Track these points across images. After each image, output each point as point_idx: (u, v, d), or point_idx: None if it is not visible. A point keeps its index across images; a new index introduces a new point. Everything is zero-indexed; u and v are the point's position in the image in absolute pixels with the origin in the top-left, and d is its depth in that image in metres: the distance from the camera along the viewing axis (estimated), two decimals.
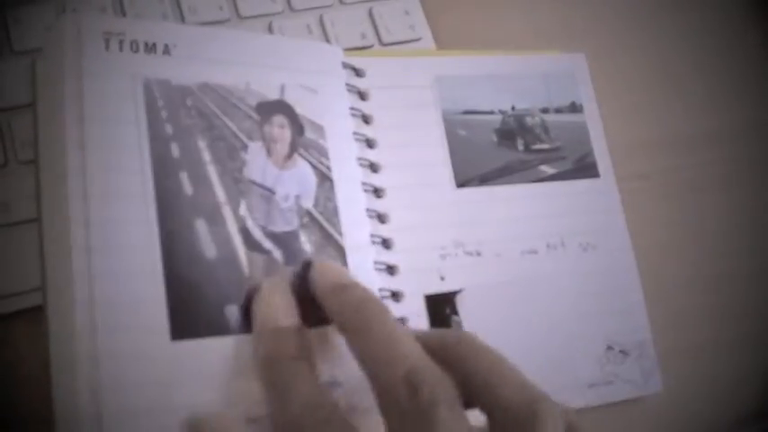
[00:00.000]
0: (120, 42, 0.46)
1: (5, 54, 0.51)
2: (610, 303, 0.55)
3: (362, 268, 0.49)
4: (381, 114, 0.53)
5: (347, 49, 0.55)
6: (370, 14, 0.59)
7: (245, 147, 0.47)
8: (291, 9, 0.58)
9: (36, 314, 0.45)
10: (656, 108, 0.64)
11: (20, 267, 0.47)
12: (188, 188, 0.45)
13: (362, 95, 0.53)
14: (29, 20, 0.51)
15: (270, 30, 0.57)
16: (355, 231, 0.49)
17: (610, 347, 0.53)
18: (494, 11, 0.63)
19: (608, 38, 0.65)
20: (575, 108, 0.59)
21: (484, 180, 0.54)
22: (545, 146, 0.57)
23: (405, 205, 0.52)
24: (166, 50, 0.47)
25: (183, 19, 0.55)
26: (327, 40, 0.57)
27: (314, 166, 0.49)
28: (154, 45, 0.47)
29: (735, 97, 0.66)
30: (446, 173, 0.54)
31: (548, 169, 0.56)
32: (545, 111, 0.58)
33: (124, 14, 0.53)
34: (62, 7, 0.52)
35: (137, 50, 0.46)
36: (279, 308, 0.42)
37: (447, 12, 0.62)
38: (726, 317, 0.60)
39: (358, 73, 0.54)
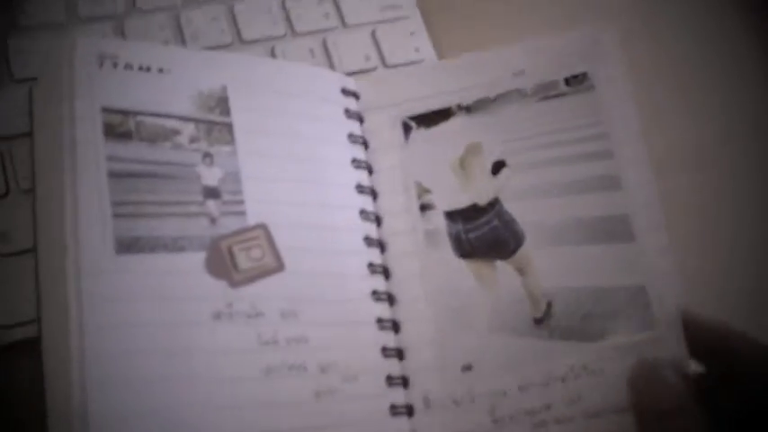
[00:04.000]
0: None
1: (6, 83, 0.51)
2: None
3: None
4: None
5: (350, 73, 0.55)
6: (374, 37, 0.59)
7: None
8: (294, 33, 0.58)
9: (33, 346, 0.45)
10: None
11: (20, 298, 0.47)
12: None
13: (361, 119, 0.53)
14: (30, 48, 0.52)
15: (272, 54, 0.57)
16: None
17: None
18: (502, 33, 0.63)
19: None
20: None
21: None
22: None
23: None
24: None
25: (184, 45, 0.55)
26: (331, 63, 0.57)
27: None
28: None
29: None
30: None
31: None
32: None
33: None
34: (63, 34, 0.52)
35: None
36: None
37: (452, 32, 0.61)
38: None
39: (357, 97, 0.53)
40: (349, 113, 0.53)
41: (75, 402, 0.40)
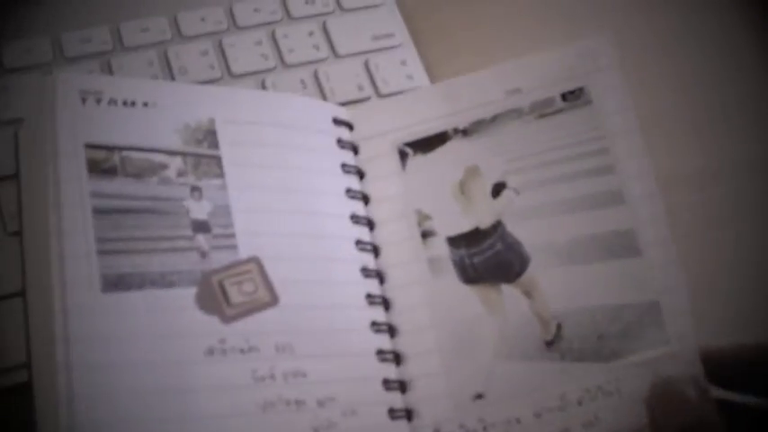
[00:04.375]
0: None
1: None
2: None
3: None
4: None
5: (343, 103, 0.54)
6: (366, 66, 0.58)
7: None
8: (285, 65, 0.57)
9: (24, 391, 0.44)
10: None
11: (11, 342, 0.47)
12: None
13: (355, 149, 0.52)
14: (16, 89, 0.51)
15: (263, 86, 0.56)
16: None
17: None
18: (496, 57, 0.62)
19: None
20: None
21: None
22: None
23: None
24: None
25: (173, 80, 0.54)
26: (323, 94, 0.57)
27: None
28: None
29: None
30: None
31: None
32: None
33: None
34: (49, 73, 0.52)
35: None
36: None
37: (446, 59, 0.61)
38: None
39: (350, 127, 0.53)
40: (342, 143, 0.52)
41: None
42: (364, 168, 0.52)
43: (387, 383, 0.47)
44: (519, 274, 0.48)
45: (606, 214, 0.48)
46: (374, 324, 0.48)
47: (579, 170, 0.49)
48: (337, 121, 0.52)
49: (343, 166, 0.51)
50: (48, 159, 0.44)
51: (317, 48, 0.58)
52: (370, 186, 0.52)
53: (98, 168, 0.44)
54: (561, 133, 0.50)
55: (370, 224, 0.51)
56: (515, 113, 0.51)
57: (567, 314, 0.47)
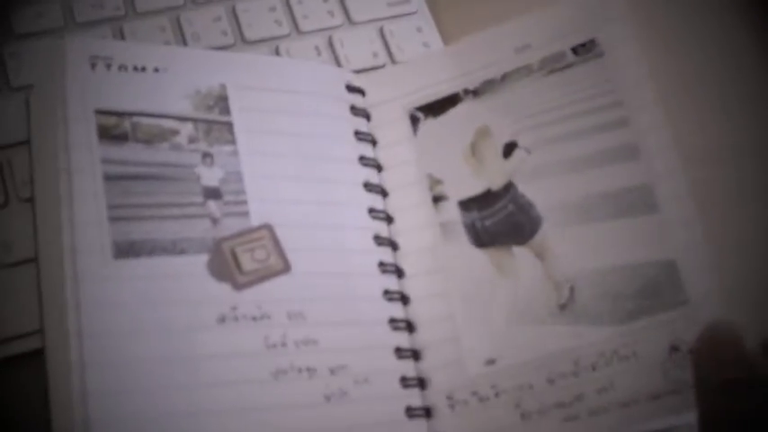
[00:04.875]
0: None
1: (4, 91, 0.50)
2: None
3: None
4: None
5: (358, 71, 0.54)
6: (381, 33, 0.57)
7: None
8: (298, 31, 0.56)
9: (37, 357, 0.44)
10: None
11: (24, 309, 0.46)
12: None
13: (367, 116, 0.52)
14: (27, 55, 0.51)
15: (277, 53, 0.55)
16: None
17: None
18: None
19: None
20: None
21: None
22: None
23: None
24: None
25: (186, 46, 0.53)
26: (337, 61, 0.56)
27: None
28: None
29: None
30: None
31: None
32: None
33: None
34: (60, 38, 0.51)
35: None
36: None
37: (461, 26, 0.60)
38: None
39: (363, 93, 0.52)
40: (355, 110, 0.51)
41: (77, 412, 0.39)
42: (376, 135, 0.51)
43: (399, 352, 0.47)
44: (531, 235, 0.48)
45: (621, 169, 0.47)
46: (387, 292, 0.48)
47: (592, 125, 0.48)
48: (350, 88, 0.52)
49: (357, 133, 0.51)
50: (58, 125, 0.44)
51: (331, 14, 0.57)
52: (382, 153, 0.51)
53: (108, 134, 0.44)
54: (573, 88, 0.49)
55: (383, 192, 0.50)
56: (525, 70, 0.50)
57: (581, 276, 0.46)
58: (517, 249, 0.48)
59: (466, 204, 0.49)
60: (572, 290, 0.46)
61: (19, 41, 0.52)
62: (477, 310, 0.47)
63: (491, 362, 0.46)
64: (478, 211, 0.49)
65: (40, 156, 0.45)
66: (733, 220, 0.56)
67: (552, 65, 0.49)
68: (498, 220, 0.48)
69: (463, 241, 0.48)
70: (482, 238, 0.48)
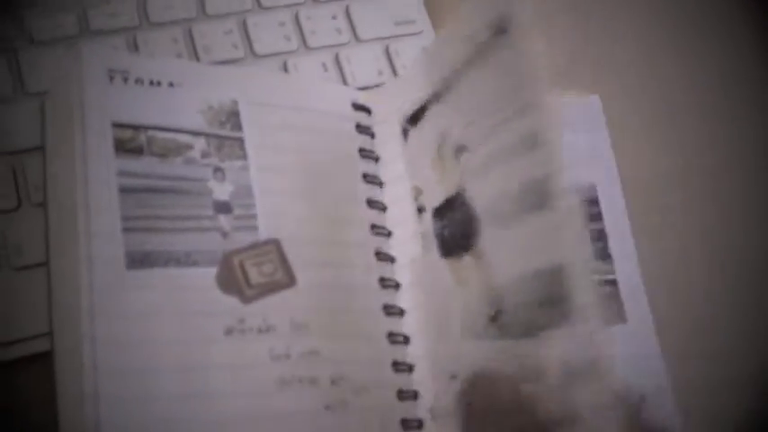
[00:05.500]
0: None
1: (19, 96, 0.51)
2: None
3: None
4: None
5: (363, 87, 0.55)
6: (387, 52, 0.59)
7: None
8: (306, 47, 0.57)
9: (45, 360, 0.45)
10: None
11: (33, 311, 0.47)
12: None
13: (372, 134, 0.53)
14: (42, 61, 0.52)
15: (285, 68, 0.56)
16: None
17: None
18: None
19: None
20: None
21: None
22: None
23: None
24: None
25: (197, 58, 0.55)
26: (343, 78, 0.57)
27: None
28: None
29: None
30: None
31: None
32: None
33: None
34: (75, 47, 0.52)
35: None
36: None
37: None
38: None
39: (368, 111, 0.53)
40: (360, 128, 0.52)
41: (88, 417, 0.40)
42: (379, 152, 0.52)
43: (396, 365, 0.48)
44: (474, 241, 0.44)
45: (525, 162, 0.40)
46: (386, 306, 0.49)
47: (508, 115, 0.42)
48: (356, 106, 0.53)
49: (361, 150, 0.52)
50: (75, 135, 0.44)
51: (339, 31, 0.58)
52: (383, 169, 0.52)
53: (125, 147, 0.45)
54: (494, 74, 0.43)
55: (384, 208, 0.52)
56: (468, 63, 0.44)
57: (508, 283, 0.42)
58: (467, 258, 0.45)
59: (437, 213, 0.47)
60: (500, 299, 0.42)
61: (34, 47, 0.52)
62: (443, 323, 0.47)
63: (453, 377, 0.46)
64: (442, 220, 0.47)
65: (55, 164, 0.46)
66: None
67: (484, 52, 0.43)
68: (453, 228, 0.46)
69: (434, 252, 0.47)
70: (445, 247, 0.47)
